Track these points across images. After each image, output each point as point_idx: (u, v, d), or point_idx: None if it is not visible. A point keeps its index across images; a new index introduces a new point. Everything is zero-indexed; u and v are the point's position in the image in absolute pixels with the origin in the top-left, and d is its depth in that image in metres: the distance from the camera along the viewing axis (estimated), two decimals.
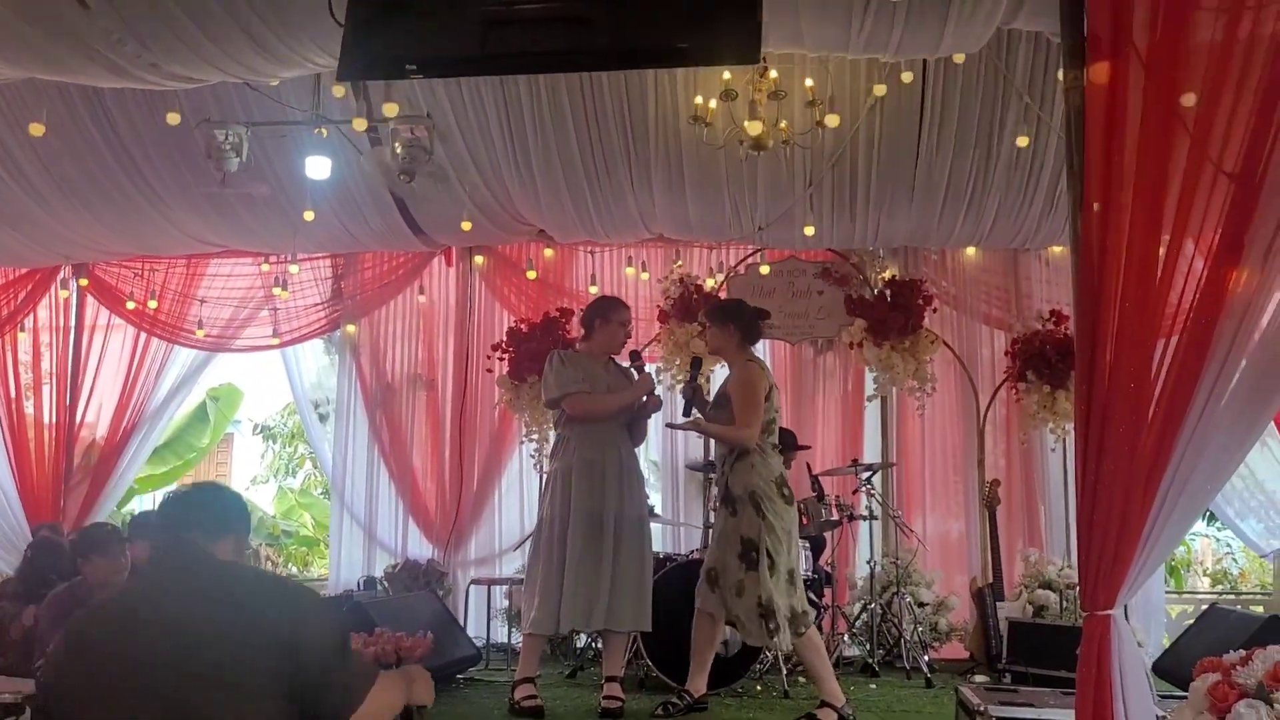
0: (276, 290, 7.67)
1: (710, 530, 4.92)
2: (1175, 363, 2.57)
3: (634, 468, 5.00)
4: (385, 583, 7.34)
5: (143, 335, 7.93)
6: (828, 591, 6.74)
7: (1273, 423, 6.77)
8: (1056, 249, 7.40)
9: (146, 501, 11.54)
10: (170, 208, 6.90)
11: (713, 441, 4.92)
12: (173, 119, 5.91)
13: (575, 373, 4.98)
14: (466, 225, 6.92)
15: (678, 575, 5.67)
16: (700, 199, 6.74)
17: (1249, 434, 2.67)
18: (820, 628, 6.39)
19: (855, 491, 6.62)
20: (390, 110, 5.77)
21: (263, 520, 11.44)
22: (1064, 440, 7.06)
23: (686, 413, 4.76)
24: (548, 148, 6.34)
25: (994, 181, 6.55)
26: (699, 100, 5.72)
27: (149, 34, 4.19)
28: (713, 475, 6.84)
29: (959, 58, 5.58)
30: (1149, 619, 6.98)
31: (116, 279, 7.95)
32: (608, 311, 5.14)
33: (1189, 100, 2.61)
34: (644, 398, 5.01)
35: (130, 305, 7.82)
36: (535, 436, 7.32)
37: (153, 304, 7.80)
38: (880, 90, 5.81)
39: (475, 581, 7.31)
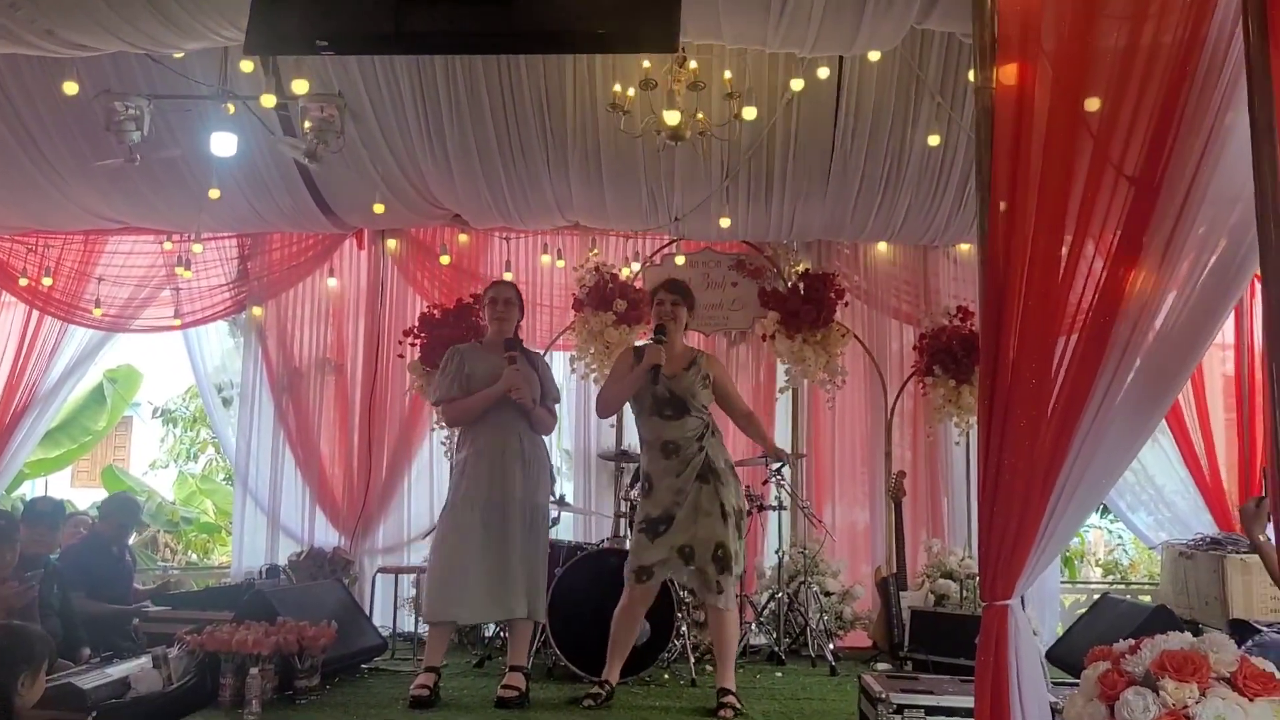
0: (179, 270, 7.44)
1: (644, 512, 4.85)
2: (1074, 360, 2.61)
3: (536, 456, 4.98)
4: (289, 571, 7.20)
5: (35, 313, 7.65)
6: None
7: (1164, 420, 7.11)
8: (964, 246, 7.51)
9: (38, 486, 11.19)
10: (67, 181, 6.61)
11: (673, 423, 4.90)
12: (70, 89, 5.68)
13: (458, 374, 4.97)
14: (379, 208, 6.79)
15: (589, 565, 5.67)
16: (617, 187, 6.72)
17: (1143, 429, 2.74)
18: None
19: (765, 482, 6.66)
20: (300, 87, 5.62)
21: (161, 506, 11.12)
22: (968, 434, 7.18)
23: (655, 380, 4.78)
24: (463, 130, 6.26)
25: (906, 178, 6.62)
26: (617, 88, 5.69)
27: None
28: (626, 464, 6.91)
29: (874, 56, 5.62)
30: (1044, 608, 7.13)
31: (8, 254, 7.62)
32: (484, 295, 5.21)
33: (1093, 104, 2.66)
34: (513, 393, 4.94)
35: (23, 282, 7.50)
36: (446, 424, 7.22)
37: (47, 281, 7.50)
38: (797, 85, 5.82)
39: (382, 570, 7.21)
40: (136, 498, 7.26)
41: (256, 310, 7.75)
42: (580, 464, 7.65)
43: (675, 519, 4.75)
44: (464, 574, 4.78)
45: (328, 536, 7.54)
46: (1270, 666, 2.38)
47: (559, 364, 7.73)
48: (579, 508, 7.34)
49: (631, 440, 7.42)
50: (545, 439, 5.20)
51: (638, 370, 4.90)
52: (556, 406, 5.26)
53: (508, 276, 7.52)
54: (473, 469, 4.91)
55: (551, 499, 6.46)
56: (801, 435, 7.61)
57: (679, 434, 4.82)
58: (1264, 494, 3.68)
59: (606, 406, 5.09)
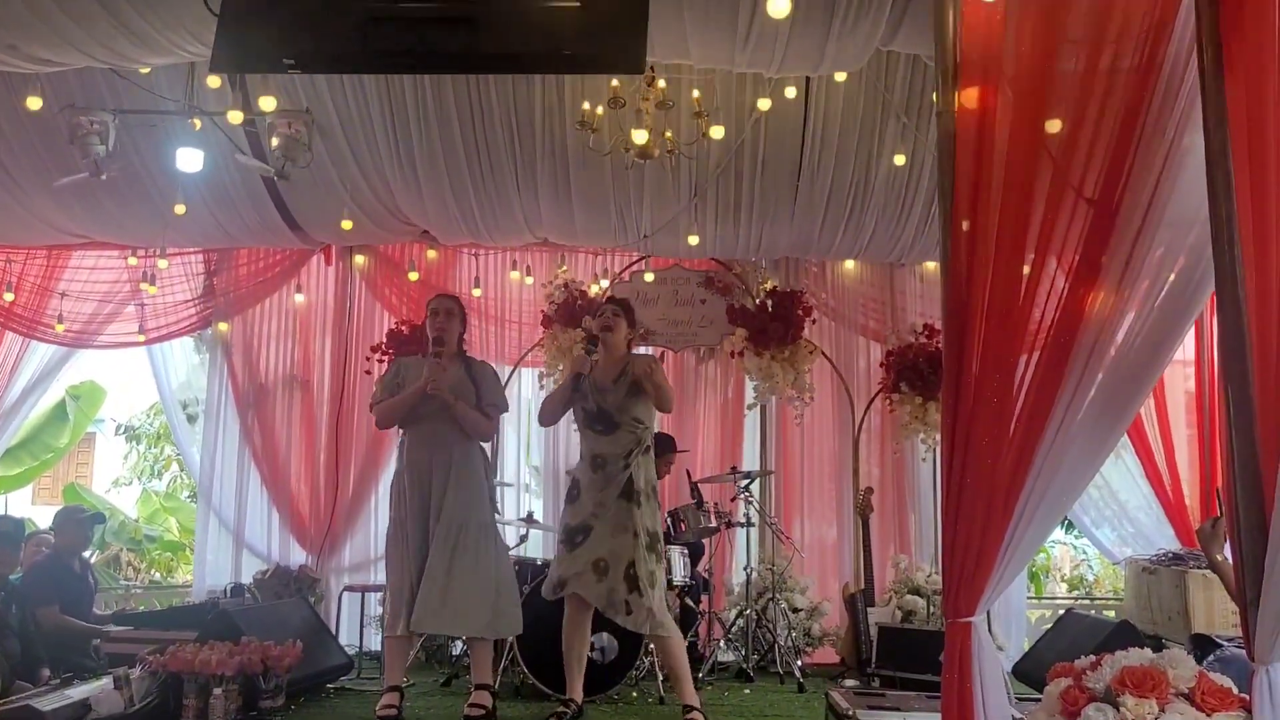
0: (144, 285, 7.40)
1: (564, 520, 4.84)
2: (1036, 378, 2.63)
3: (470, 469, 4.88)
4: (254, 590, 7.12)
5: None
6: (705, 598, 6.78)
7: (1127, 435, 7.18)
8: (930, 265, 7.55)
9: None
10: (30, 196, 6.55)
11: (604, 438, 4.82)
12: (33, 104, 5.62)
13: (392, 381, 4.95)
14: (347, 224, 6.76)
15: None
16: (586, 205, 6.72)
17: (1104, 446, 2.76)
18: (697, 633, 6.51)
19: (734, 499, 6.66)
20: (267, 104, 5.59)
21: (124, 524, 10.97)
22: (934, 450, 7.21)
23: (577, 388, 4.78)
24: (432, 146, 6.25)
25: (873, 197, 6.67)
26: (586, 106, 5.70)
27: (6, 13, 3.97)
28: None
29: (840, 76, 5.66)
30: (1010, 623, 7.16)
31: None
32: (427, 306, 5.12)
33: (1054, 126, 2.69)
34: (430, 386, 4.84)
35: None
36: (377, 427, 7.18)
37: (9, 296, 7.40)
38: (764, 104, 5.84)
39: (349, 588, 7.16)
40: (87, 508, 7.12)
41: (222, 326, 7.72)
42: (550, 480, 7.62)
43: (593, 531, 4.72)
44: (408, 589, 4.72)
45: (293, 554, 7.48)
46: (1228, 682, 2.41)
47: (527, 380, 7.77)
48: (548, 525, 7.30)
49: None
50: (486, 458, 5.10)
51: (564, 381, 4.96)
52: (497, 414, 5.13)
53: (476, 293, 7.55)
54: (408, 482, 4.85)
55: (520, 518, 6.46)
56: (770, 452, 7.62)
57: (608, 449, 4.81)
58: (1219, 514, 3.73)
59: (545, 413, 5.07)
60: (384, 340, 7.34)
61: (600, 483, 4.79)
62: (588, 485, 4.82)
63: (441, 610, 4.65)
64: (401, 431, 4.97)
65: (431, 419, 4.85)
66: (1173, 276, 2.69)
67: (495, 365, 7.54)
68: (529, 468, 8.09)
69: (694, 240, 6.92)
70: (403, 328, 7.33)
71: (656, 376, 4.84)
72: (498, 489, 7.41)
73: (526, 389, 7.79)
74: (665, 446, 6.42)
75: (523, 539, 6.70)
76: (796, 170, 6.50)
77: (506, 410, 5.25)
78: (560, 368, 7.29)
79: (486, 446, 5.12)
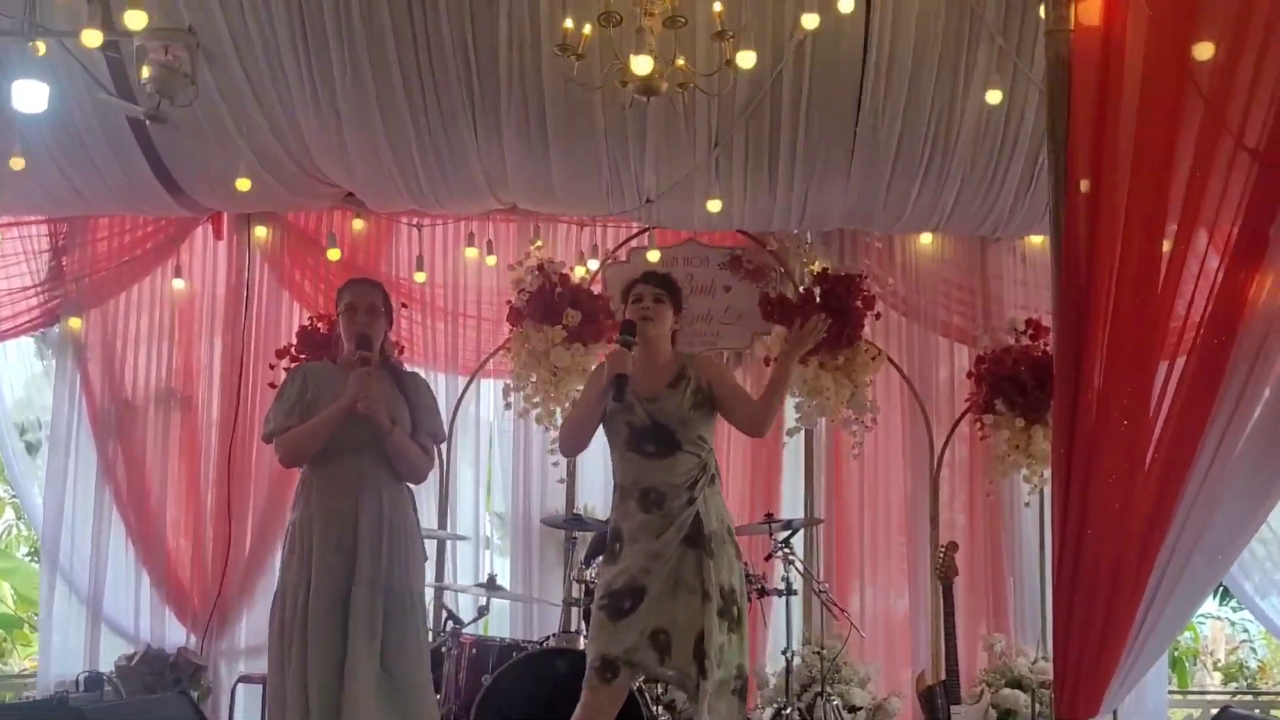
0: None
1: (606, 582, 4.69)
2: (1181, 393, 2.64)
3: (402, 520, 4.84)
4: (116, 680, 7.09)
5: None
6: None
7: None
8: (1036, 239, 7.59)
9: None
10: None
11: (658, 463, 4.74)
12: None
13: (298, 399, 4.86)
14: (244, 183, 6.71)
15: (530, 670, 5.64)
16: (568, 159, 6.74)
17: (1272, 487, 2.75)
18: None
19: (769, 557, 6.63)
20: (136, 20, 5.38)
21: None
22: (1041, 490, 7.25)
23: (619, 397, 4.62)
24: (359, 79, 6.25)
25: (958, 147, 6.66)
26: (568, 23, 5.63)
27: None
28: (576, 534, 6.91)
29: None
30: None
31: None
32: (338, 300, 5.08)
33: (1204, 53, 2.68)
34: (360, 405, 4.72)
35: None
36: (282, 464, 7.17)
37: None
38: (811, 22, 5.79)
39: (244, 679, 7.13)
40: None
41: (74, 322, 7.70)
42: (518, 533, 7.66)
43: (647, 594, 4.58)
44: (301, 695, 4.57)
45: (170, 633, 7.46)
46: None
47: (488, 396, 7.79)
48: (516, 593, 7.33)
49: (590, 500, 7.58)
50: (412, 499, 5.01)
51: (594, 387, 4.80)
52: (439, 447, 5.20)
53: (419, 278, 7.56)
54: (317, 536, 4.72)
55: (478, 584, 6.44)
56: (818, 494, 7.62)
57: (664, 478, 4.70)
58: None
59: (566, 438, 5.01)
60: (293, 342, 7.33)
61: (655, 525, 4.67)
62: (635, 530, 4.69)
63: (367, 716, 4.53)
64: (304, 469, 4.92)
65: (355, 452, 4.78)
66: None
67: (448, 377, 7.57)
68: (490, 516, 8.11)
69: (714, 207, 6.90)
70: (319, 325, 7.32)
71: (738, 387, 4.94)
72: (449, 544, 7.52)
73: (488, 407, 7.80)
74: None
75: (482, 612, 6.69)
76: (854, 111, 6.48)
77: (443, 439, 5.26)
78: (532, 378, 7.32)
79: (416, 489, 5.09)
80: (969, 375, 7.57)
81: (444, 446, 7.03)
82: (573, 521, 6.92)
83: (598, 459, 7.17)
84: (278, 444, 4.84)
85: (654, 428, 4.73)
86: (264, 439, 4.97)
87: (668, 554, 4.61)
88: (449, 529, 7.52)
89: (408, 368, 5.55)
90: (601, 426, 4.84)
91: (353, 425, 4.73)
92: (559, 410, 7.28)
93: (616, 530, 4.76)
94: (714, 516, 4.69)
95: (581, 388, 7.09)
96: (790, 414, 7.50)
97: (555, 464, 7.38)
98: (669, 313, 4.88)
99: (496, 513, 8.18)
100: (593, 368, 5.22)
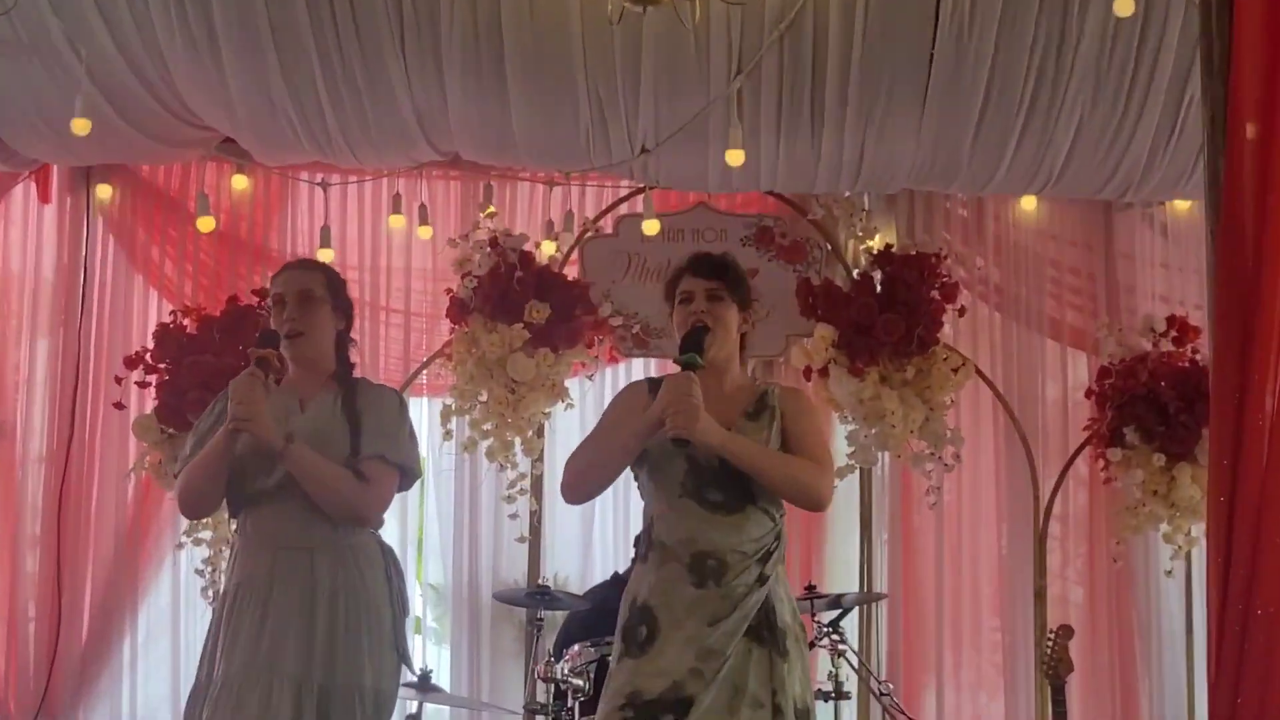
0: None
1: (629, 682, 4.51)
2: None
3: (354, 586, 4.81)
4: None
5: None
6: None
7: None
8: (1181, 205, 7.68)
9: None
10: None
11: (720, 521, 4.60)
12: None
13: (216, 424, 4.83)
14: (82, 125, 6.64)
15: None
16: (533, 94, 6.78)
17: None
18: None
19: (811, 646, 6.40)
20: None
21: None
22: (1189, 554, 7.27)
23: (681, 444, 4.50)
24: None
25: (1072, 80, 6.70)
26: None
27: None
28: (544, 614, 6.94)
29: None
30: None
31: None
32: (271, 287, 5.12)
33: None
34: (238, 422, 4.69)
35: None
36: (207, 534, 7.20)
37: None
38: None
39: None
40: None
41: None
42: (461, 613, 7.70)
43: (696, 707, 4.47)
44: None
45: None
46: None
47: (421, 420, 7.76)
48: (458, 696, 7.31)
49: (561, 566, 7.76)
50: (393, 563, 4.99)
51: (649, 414, 4.62)
52: (389, 475, 4.91)
53: (325, 255, 7.45)
54: (237, 614, 4.74)
55: (407, 682, 6.31)
56: (878, 559, 7.70)
57: (729, 541, 4.62)
58: None
59: (584, 475, 4.85)
60: (148, 346, 7.34)
61: (711, 607, 4.56)
62: (683, 612, 4.57)
63: None
64: (236, 524, 4.96)
65: (279, 495, 4.79)
66: None
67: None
68: (422, 589, 8.19)
69: (736, 159, 6.83)
70: (185, 320, 7.33)
71: (821, 439, 4.85)
72: None
73: (420, 437, 7.62)
74: None
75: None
76: (930, 32, 6.51)
77: (412, 474, 5.14)
78: (482, 396, 7.30)
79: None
80: (1088, 394, 7.58)
81: None
82: (538, 596, 6.82)
83: (571, 507, 6.93)
84: (176, 484, 4.99)
85: (723, 470, 4.63)
86: (176, 479, 5.07)
87: (725, 650, 4.51)
88: None
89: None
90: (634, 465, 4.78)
91: (267, 456, 4.74)
92: (519, 441, 7.32)
93: (646, 610, 4.63)
94: (787, 605, 4.63)
95: (543, 406, 7.38)
96: (842, 446, 7.41)
97: (514, 516, 7.40)
98: (734, 314, 4.79)
99: (431, 584, 8.21)
100: (621, 389, 5.11)
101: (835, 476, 4.90)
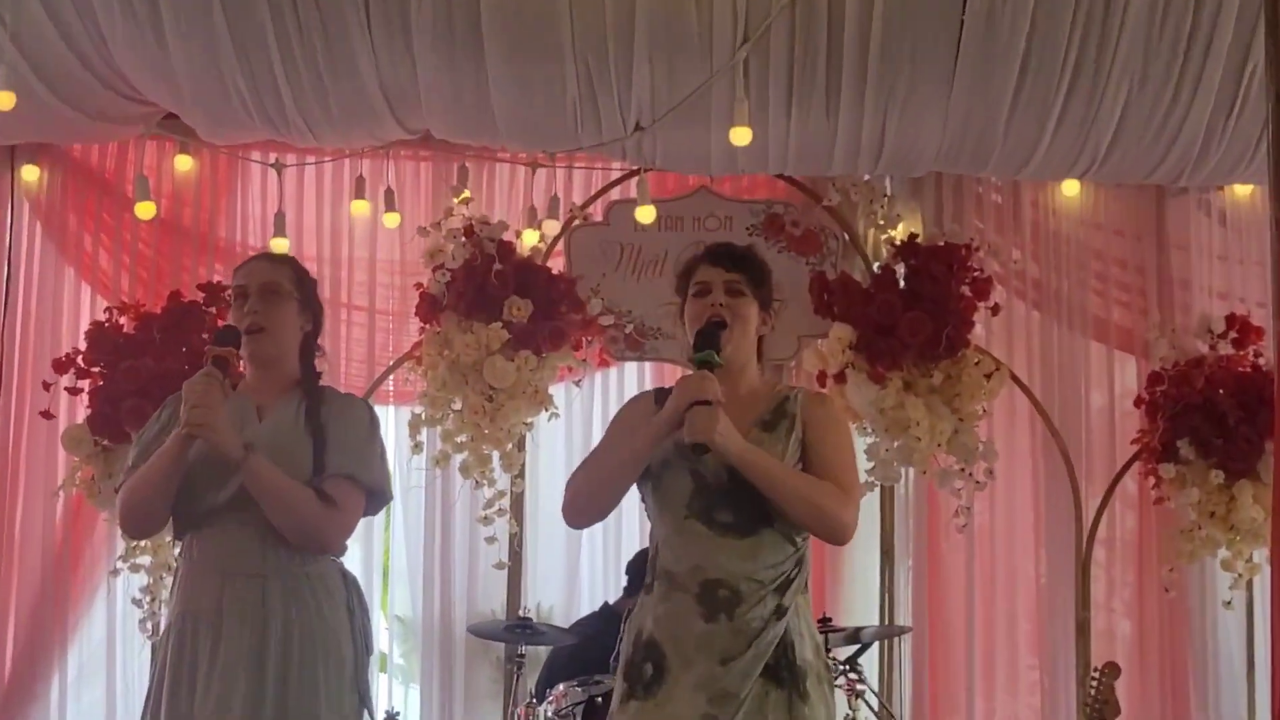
0: None
1: None
2: None
3: (310, 620, 4.77)
4: None
5: None
6: None
7: None
8: (1242, 190, 7.70)
9: None
10: None
11: (733, 544, 4.56)
12: None
13: (156, 437, 4.84)
14: (5, 99, 6.59)
15: None
16: (514, 66, 6.79)
17: None
18: None
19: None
20: None
21: None
22: (1250, 583, 7.30)
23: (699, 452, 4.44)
24: None
25: (1117, 49, 6.71)
26: None
27: None
28: (524, 649, 6.99)
29: None
30: None
31: None
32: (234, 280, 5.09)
33: None
34: (191, 426, 4.62)
35: None
36: (146, 559, 7.22)
37: None
38: None
39: None
40: None
41: None
42: (432, 648, 7.69)
43: None
44: None
45: None
46: None
47: (388, 430, 7.52)
48: None
49: (545, 596, 7.76)
50: (355, 593, 4.97)
51: (662, 414, 4.58)
52: (356, 497, 4.88)
53: (280, 245, 7.42)
54: (174, 653, 4.72)
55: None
56: (900, 589, 7.72)
57: (743, 567, 4.58)
58: None
59: (587, 493, 4.82)
60: (79, 348, 7.35)
61: (723, 643, 4.53)
62: (692, 649, 4.54)
63: None
64: (181, 547, 4.90)
65: (230, 513, 4.75)
66: None
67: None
68: (388, 620, 8.14)
69: (742, 138, 6.86)
70: (122, 320, 7.35)
71: (848, 454, 4.75)
72: None
73: (388, 454, 7.66)
74: None
75: None
76: None
77: (382, 497, 5.09)
78: (455, 405, 7.30)
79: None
80: (1137, 402, 7.59)
81: None
82: (519, 630, 6.84)
83: (555, 530, 7.32)
84: (120, 496, 4.84)
85: (734, 487, 4.58)
86: (116, 494, 4.97)
87: (740, 691, 4.49)
88: None
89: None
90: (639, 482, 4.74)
91: (221, 468, 4.68)
92: (497, 455, 7.30)
93: (652, 646, 4.61)
94: (809, 641, 4.58)
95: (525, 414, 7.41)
96: (861, 460, 7.13)
97: (491, 539, 7.35)
98: (754, 312, 4.74)
99: (398, 616, 8.22)
100: (625, 402, 5.09)
101: (857, 504, 4.55)
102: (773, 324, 4.82)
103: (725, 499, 4.56)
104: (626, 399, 5.19)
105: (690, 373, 4.50)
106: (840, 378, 7.40)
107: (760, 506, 4.54)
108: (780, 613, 4.53)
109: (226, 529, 4.74)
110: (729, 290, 4.65)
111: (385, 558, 8.07)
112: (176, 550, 5.06)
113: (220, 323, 7.00)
